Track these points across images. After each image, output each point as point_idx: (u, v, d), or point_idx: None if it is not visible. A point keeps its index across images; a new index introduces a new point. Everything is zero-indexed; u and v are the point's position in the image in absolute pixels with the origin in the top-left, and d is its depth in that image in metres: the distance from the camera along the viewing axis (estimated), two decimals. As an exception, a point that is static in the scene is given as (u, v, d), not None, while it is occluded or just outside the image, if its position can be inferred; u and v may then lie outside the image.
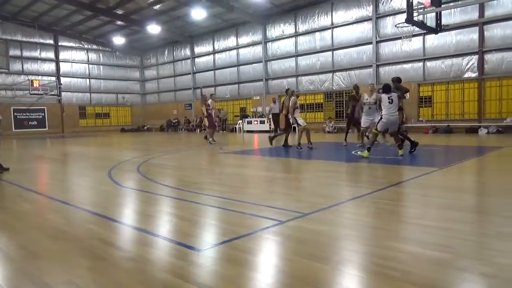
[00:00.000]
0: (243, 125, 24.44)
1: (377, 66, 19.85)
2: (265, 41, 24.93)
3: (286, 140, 11.41)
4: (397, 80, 9.73)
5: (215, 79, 28.80)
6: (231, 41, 27.25)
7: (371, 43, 19.86)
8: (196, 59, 30.12)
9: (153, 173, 7.29)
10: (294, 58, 23.54)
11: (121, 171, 7.55)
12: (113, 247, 3.09)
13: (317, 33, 22.23)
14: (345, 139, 11.72)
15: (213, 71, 28.87)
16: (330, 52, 21.78)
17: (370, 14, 19.73)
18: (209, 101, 14.05)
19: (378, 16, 19.53)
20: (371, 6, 19.61)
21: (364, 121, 10.30)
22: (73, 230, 3.65)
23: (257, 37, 25.41)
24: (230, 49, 27.38)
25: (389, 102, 8.18)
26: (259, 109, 25.10)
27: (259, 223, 3.63)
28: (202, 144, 13.91)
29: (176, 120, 31.20)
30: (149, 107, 35.02)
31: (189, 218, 3.95)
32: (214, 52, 28.51)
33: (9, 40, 27.41)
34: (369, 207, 4.26)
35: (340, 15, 21.07)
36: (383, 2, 19.38)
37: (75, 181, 7.12)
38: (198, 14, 23.08)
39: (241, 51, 26.71)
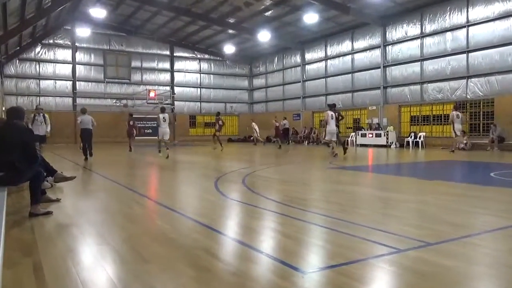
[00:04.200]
0: (356, 138, 23.79)
1: (528, 69, 17.50)
2: (385, 44, 23.96)
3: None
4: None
5: (326, 87, 28.62)
6: (345, 45, 26.85)
7: (519, 42, 17.64)
8: (306, 66, 30.39)
9: (258, 185, 7.52)
10: (419, 63, 22.12)
11: (227, 182, 7.97)
12: (216, 259, 3.26)
13: (448, 33, 20.56)
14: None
15: (324, 79, 28.73)
16: (464, 55, 19.92)
17: (519, 7, 17.56)
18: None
19: (529, 9, 17.29)
20: (520, -3, 17.46)
21: None
22: (180, 237, 3.97)
23: (375, 40, 24.58)
24: (344, 54, 26.97)
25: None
26: (375, 120, 24.15)
27: (371, 249, 3.46)
28: (309, 158, 13.92)
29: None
30: (256, 116, 36.37)
31: (294, 236, 3.96)
32: (326, 58, 28.40)
33: (132, 52, 31.67)
34: (513, 243, 3.74)
35: (478, 11, 19.18)
36: (537, -8, 17.10)
37: (183, 189, 7.77)
38: (310, 18, 23.32)
39: (356, 56, 26.11)
